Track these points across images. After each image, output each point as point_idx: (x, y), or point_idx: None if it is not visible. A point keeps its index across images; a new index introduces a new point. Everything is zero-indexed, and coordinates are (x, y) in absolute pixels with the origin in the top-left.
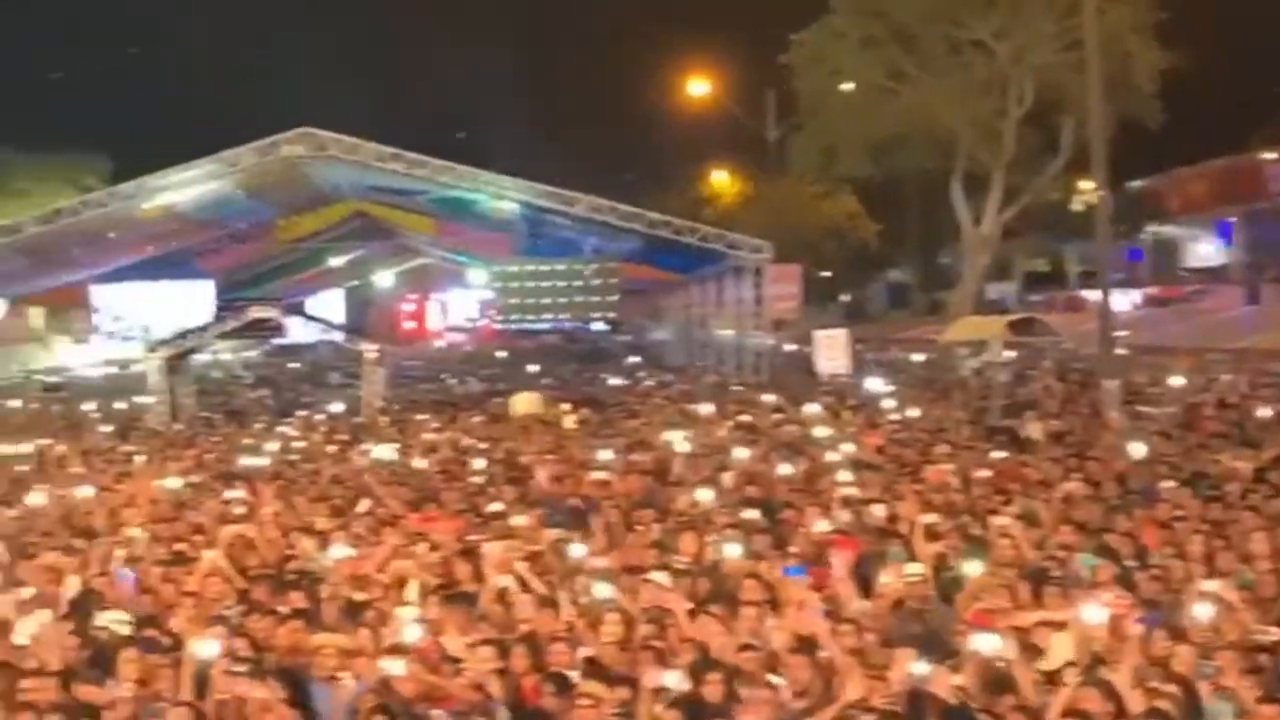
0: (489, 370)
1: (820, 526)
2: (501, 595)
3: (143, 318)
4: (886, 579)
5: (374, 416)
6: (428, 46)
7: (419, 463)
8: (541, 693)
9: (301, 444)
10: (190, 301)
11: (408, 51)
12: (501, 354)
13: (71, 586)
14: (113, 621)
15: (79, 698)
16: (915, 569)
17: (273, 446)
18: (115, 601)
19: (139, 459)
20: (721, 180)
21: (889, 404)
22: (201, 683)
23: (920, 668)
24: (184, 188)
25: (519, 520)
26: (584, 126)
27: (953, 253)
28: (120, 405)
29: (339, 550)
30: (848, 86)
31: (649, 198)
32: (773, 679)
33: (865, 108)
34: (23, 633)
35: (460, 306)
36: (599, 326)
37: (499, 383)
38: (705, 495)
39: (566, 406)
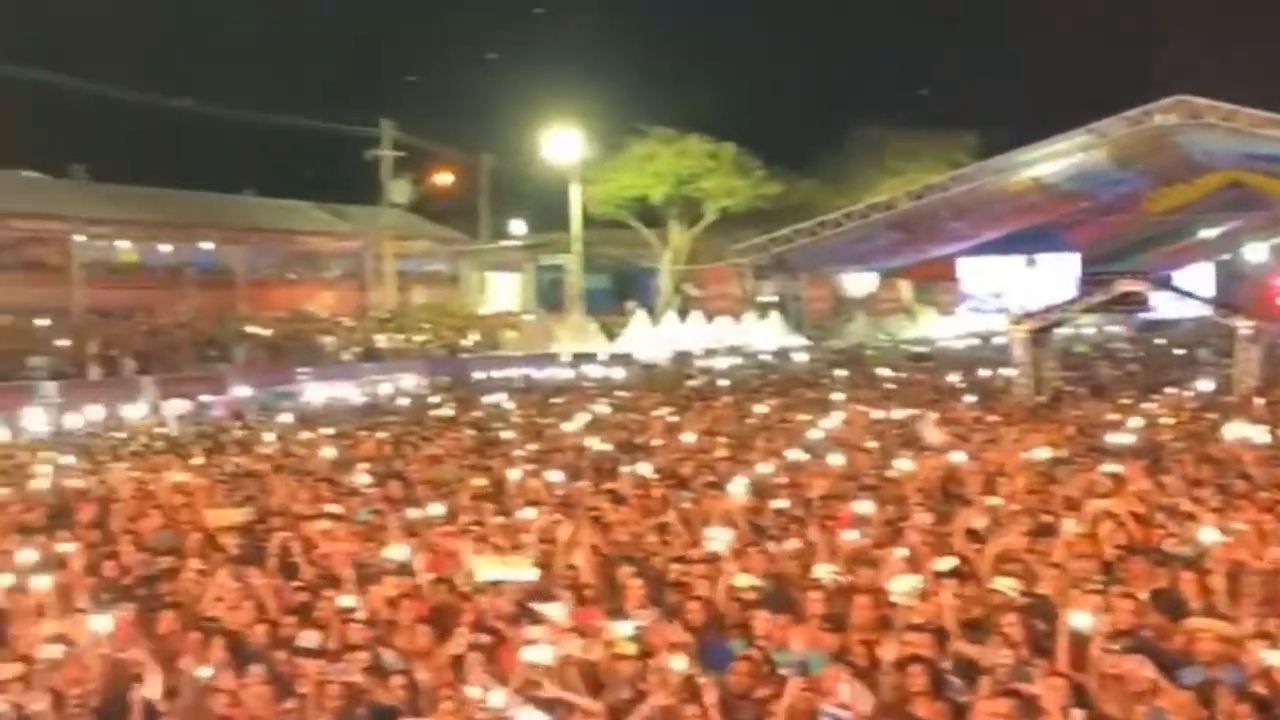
0: None
1: None
2: None
3: (1007, 291)
4: None
5: (1247, 396)
6: None
7: None
8: None
9: (1169, 421)
10: (1055, 275)
11: None
12: None
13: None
14: (1005, 586)
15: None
16: None
17: (1137, 423)
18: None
19: (1003, 430)
20: None
21: None
22: (1077, 654)
23: None
24: (1052, 160)
25: None
26: None
27: None
28: (983, 375)
29: (1209, 533)
30: None
31: None
32: None
33: None
34: (900, 591)
35: None
36: None
37: None
38: None
39: None
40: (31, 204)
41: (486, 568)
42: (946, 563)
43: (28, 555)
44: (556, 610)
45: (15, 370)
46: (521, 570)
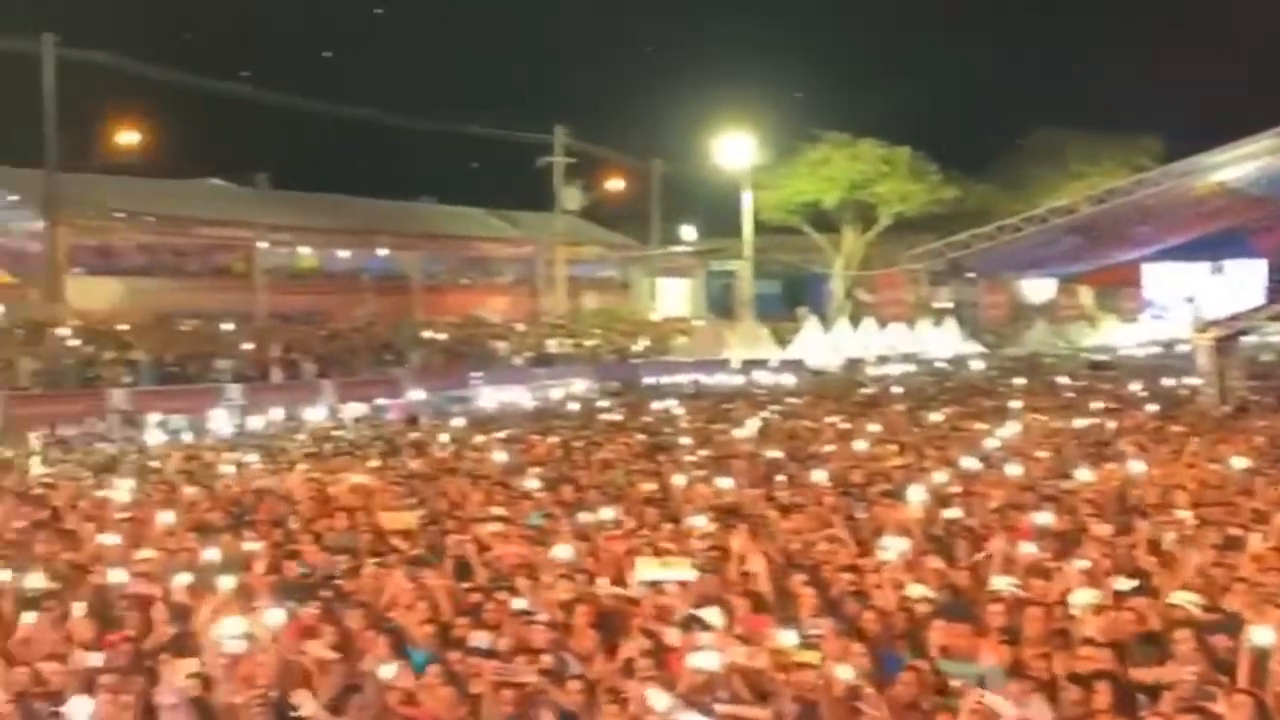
0: None
1: None
2: None
3: (1191, 297)
4: None
5: None
6: None
7: None
8: None
9: None
10: (1242, 281)
11: None
12: None
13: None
14: (1186, 601)
15: (1133, 678)
16: None
17: None
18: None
19: (1188, 440)
20: None
21: None
22: (1259, 670)
23: None
24: (1239, 164)
25: None
26: None
27: None
28: (1167, 385)
29: None
30: None
31: None
32: None
33: None
34: (1079, 605)
35: None
36: None
37: None
38: None
39: None
40: (218, 212)
41: (646, 569)
42: (1127, 583)
43: (212, 553)
44: (715, 615)
45: (202, 373)
46: (680, 572)
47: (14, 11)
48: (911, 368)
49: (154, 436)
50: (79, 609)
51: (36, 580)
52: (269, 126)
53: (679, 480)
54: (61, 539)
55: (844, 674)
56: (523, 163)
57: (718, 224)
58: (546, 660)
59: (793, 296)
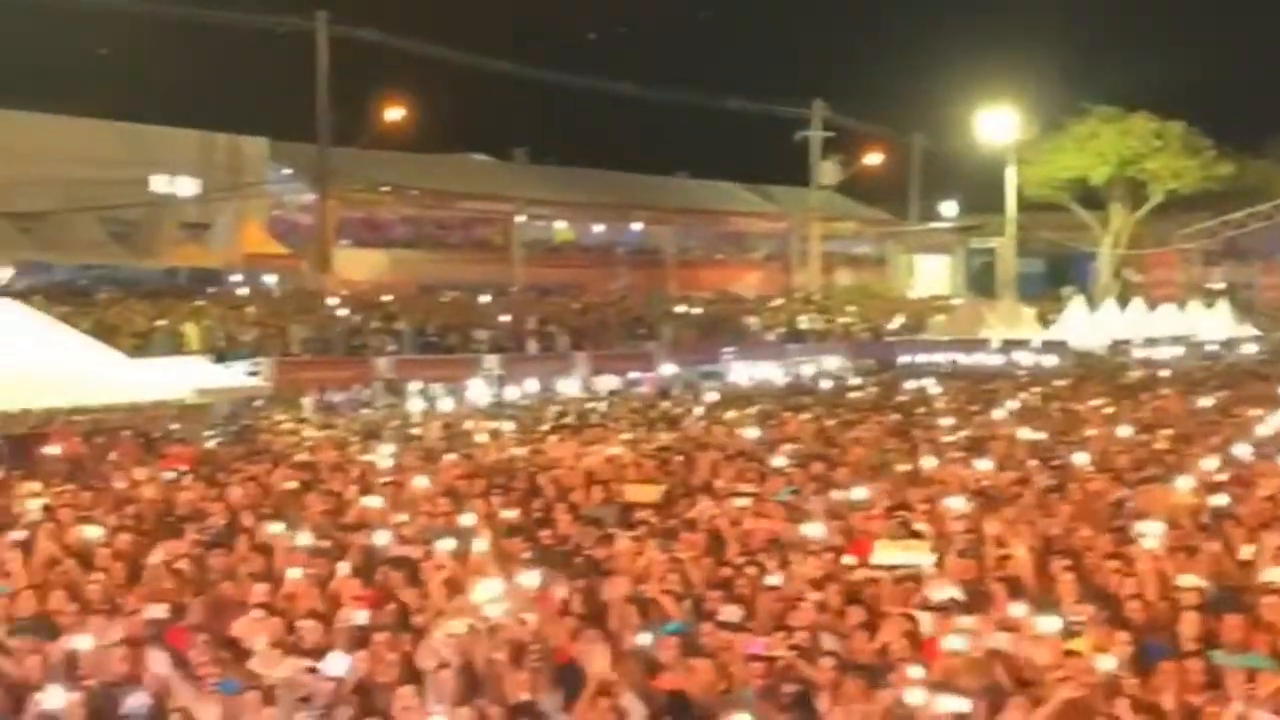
0: None
1: None
2: None
3: None
4: None
5: None
6: None
7: None
8: None
9: None
10: None
11: None
12: None
13: None
14: None
15: None
16: None
17: None
18: None
19: None
20: None
21: None
22: None
23: None
24: None
25: None
26: None
27: None
28: None
29: None
30: None
31: None
32: None
33: None
34: None
35: None
36: None
37: None
38: None
39: None
40: (478, 186)
41: (883, 552)
42: None
43: (469, 519)
44: (950, 590)
45: (462, 343)
46: (919, 556)
47: None
48: (1181, 351)
49: (415, 404)
50: (344, 568)
51: (305, 539)
52: (529, 102)
53: (930, 461)
54: (327, 501)
55: (1105, 663)
56: (779, 137)
57: (979, 200)
58: (799, 637)
59: (1056, 275)
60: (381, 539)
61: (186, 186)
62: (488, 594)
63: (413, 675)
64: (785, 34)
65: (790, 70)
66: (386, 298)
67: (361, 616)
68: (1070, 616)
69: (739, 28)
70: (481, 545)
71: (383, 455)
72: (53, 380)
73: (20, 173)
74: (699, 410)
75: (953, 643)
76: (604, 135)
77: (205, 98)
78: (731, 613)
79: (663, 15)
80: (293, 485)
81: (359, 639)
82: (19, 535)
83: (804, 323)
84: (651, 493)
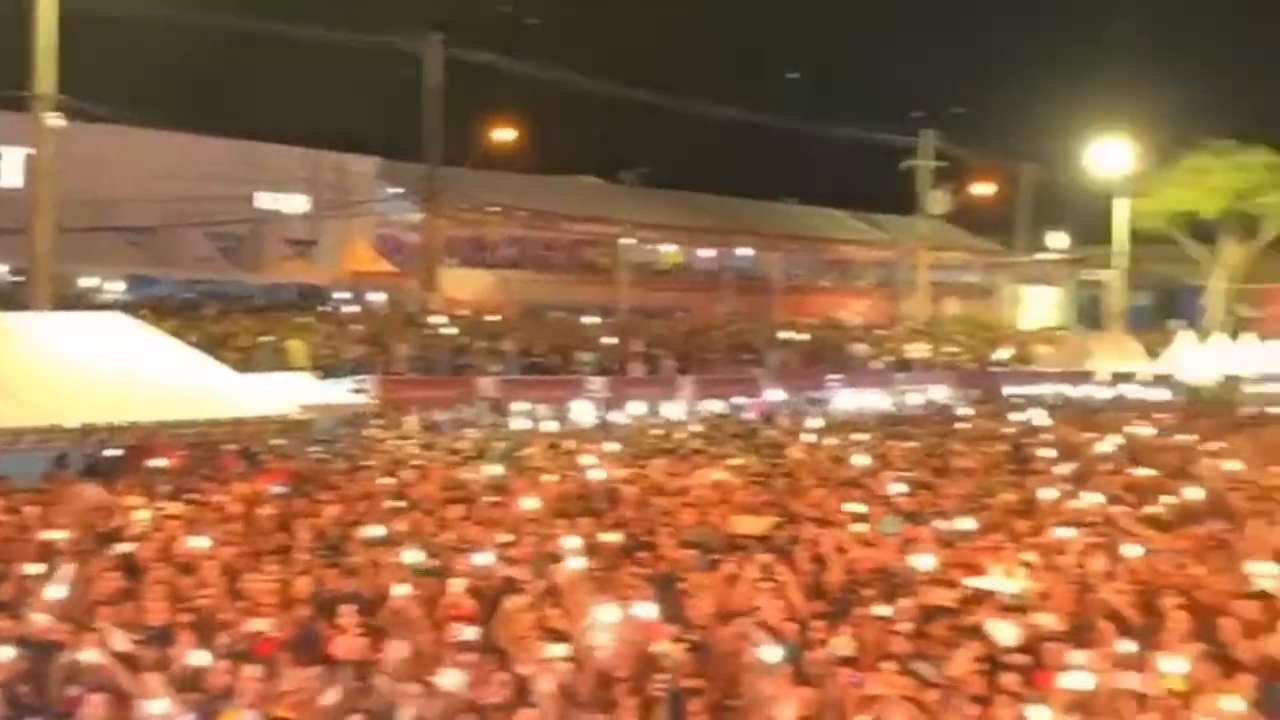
0: None
1: None
2: None
3: None
4: None
5: None
6: None
7: None
8: None
9: None
10: None
11: None
12: None
13: None
14: None
15: None
16: None
17: None
18: None
19: None
20: None
21: None
22: None
23: None
24: None
25: None
26: None
27: None
28: None
29: None
30: None
31: None
32: None
33: None
34: None
35: None
36: None
37: None
38: None
39: None
40: (585, 208)
41: (989, 580)
42: None
43: (571, 541)
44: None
45: (566, 365)
46: (1014, 584)
47: (402, 10)
48: None
49: (519, 424)
50: (455, 585)
51: (415, 557)
52: (638, 125)
53: (1047, 493)
54: (431, 520)
55: (1227, 706)
56: (887, 165)
57: (1088, 232)
58: (901, 665)
59: (1164, 309)
60: (485, 559)
61: (294, 203)
62: (592, 618)
63: (522, 694)
64: (896, 62)
65: (901, 99)
66: (492, 317)
67: (472, 633)
68: (1177, 655)
69: (850, 57)
70: (584, 567)
71: (487, 474)
72: (160, 394)
73: (130, 188)
74: (805, 437)
75: (1072, 680)
76: (713, 159)
77: (315, 116)
78: (842, 645)
79: (773, 40)
80: (398, 503)
81: (467, 658)
82: (125, 547)
83: (911, 352)
84: (761, 524)
